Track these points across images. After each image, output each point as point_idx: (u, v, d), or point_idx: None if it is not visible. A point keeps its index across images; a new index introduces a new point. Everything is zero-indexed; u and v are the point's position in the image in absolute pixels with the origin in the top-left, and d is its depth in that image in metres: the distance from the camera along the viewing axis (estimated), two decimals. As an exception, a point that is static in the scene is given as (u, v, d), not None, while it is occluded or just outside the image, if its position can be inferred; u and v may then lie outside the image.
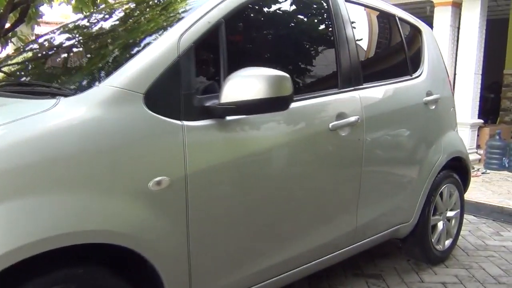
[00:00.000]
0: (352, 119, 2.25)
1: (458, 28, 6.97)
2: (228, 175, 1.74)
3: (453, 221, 3.28)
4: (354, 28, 2.56)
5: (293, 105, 1.98)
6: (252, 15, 2.04)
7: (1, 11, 4.59)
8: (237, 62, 1.77)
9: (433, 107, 2.90)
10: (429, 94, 2.88)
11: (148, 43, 1.65)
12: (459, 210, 3.29)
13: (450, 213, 3.22)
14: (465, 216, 4.34)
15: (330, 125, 2.13)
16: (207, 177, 1.67)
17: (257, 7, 2.05)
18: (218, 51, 1.78)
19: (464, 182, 3.33)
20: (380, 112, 2.48)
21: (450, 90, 3.21)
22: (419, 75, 2.90)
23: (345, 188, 2.30)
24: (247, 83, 1.65)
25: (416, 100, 2.79)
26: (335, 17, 2.33)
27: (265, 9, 2.12)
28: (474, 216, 4.41)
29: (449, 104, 3.16)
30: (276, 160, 1.93)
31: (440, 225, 3.12)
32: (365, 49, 2.65)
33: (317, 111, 2.12)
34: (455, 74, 7.05)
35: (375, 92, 2.51)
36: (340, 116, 2.20)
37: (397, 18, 2.87)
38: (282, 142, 1.93)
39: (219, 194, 1.72)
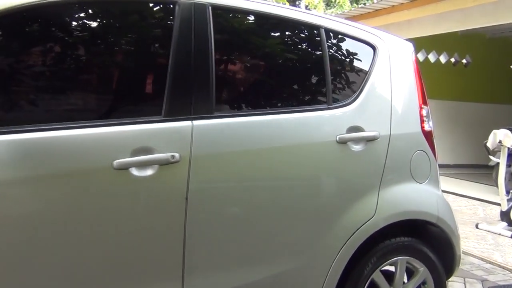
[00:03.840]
0: (163, 156, 1.72)
1: None
2: None
3: (421, 312, 2.33)
4: (227, 41, 2.05)
5: (44, 134, 1.60)
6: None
7: None
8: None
9: (361, 147, 2.11)
10: (354, 130, 2.11)
11: None
12: (431, 296, 2.33)
13: (411, 299, 2.30)
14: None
15: (115, 162, 1.66)
16: None
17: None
18: None
19: (445, 258, 2.36)
20: (231, 150, 1.87)
21: (420, 128, 2.32)
22: (346, 104, 2.15)
23: (145, 247, 1.75)
24: None
25: (322, 137, 2.06)
26: (180, 26, 1.84)
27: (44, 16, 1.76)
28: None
29: (411, 145, 2.28)
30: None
31: (385, 314, 2.24)
32: (240, 68, 2.08)
33: (94, 143, 1.66)
34: None
35: (233, 124, 1.91)
36: (141, 151, 1.70)
37: (322, 31, 2.19)
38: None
39: None
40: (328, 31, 2.22)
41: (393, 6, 7.67)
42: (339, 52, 2.30)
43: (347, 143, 2.08)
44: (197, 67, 1.86)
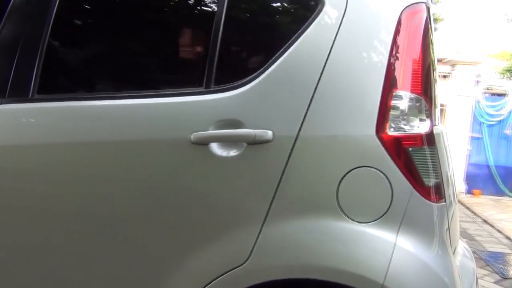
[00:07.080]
0: None
1: None
2: None
3: None
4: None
5: None
6: None
7: None
8: None
9: (232, 153, 1.34)
10: (228, 125, 1.36)
11: None
12: None
13: None
14: None
15: None
16: None
17: None
18: None
19: None
20: (37, 142, 1.45)
21: (373, 130, 1.33)
22: (232, 88, 1.39)
23: None
24: None
25: (168, 134, 1.38)
26: None
27: None
28: None
29: (344, 157, 1.33)
30: None
31: None
32: (87, 37, 1.62)
33: None
34: None
35: (56, 109, 1.48)
36: None
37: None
38: None
39: None
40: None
41: None
42: (247, 10, 1.55)
43: (209, 144, 1.37)
44: (28, 35, 1.51)
